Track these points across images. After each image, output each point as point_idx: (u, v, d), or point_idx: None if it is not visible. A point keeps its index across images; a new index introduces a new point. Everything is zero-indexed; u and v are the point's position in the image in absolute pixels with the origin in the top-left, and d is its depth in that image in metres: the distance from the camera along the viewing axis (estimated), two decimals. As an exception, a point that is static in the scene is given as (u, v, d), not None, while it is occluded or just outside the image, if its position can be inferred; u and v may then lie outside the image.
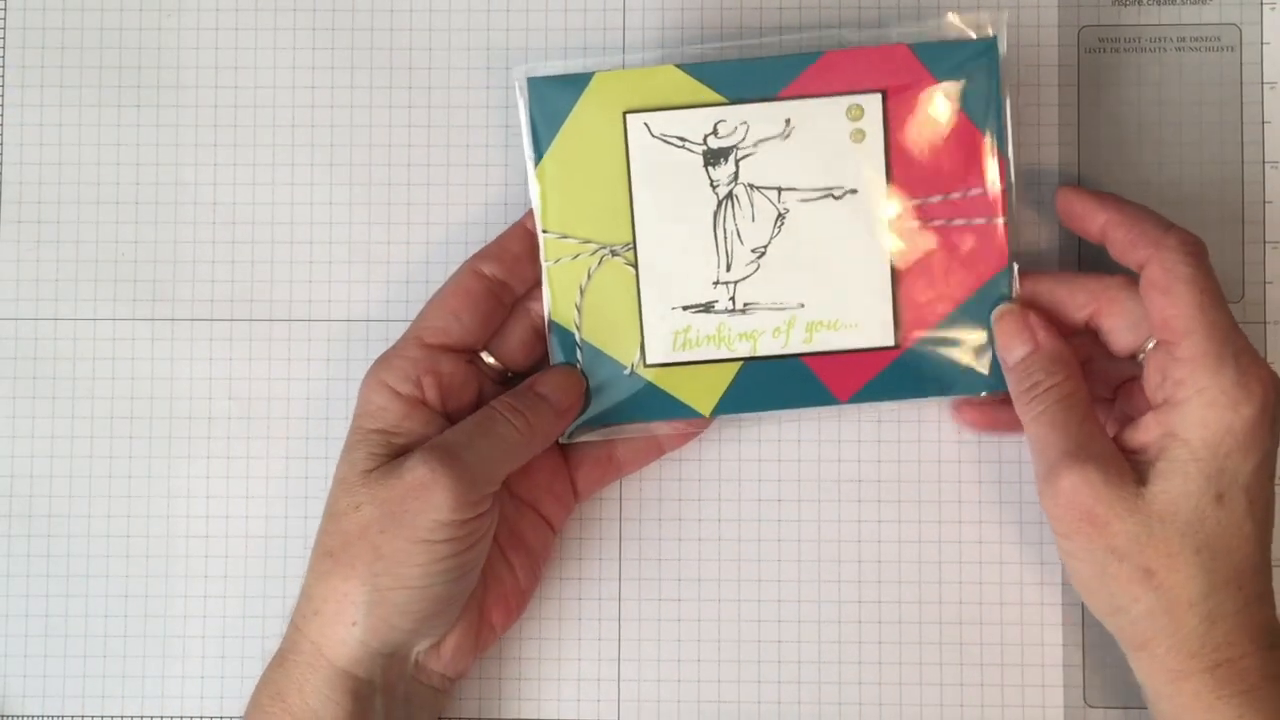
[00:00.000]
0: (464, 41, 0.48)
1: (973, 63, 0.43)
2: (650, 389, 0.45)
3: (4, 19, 0.49)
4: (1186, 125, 0.47)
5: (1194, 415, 0.39)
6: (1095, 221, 0.42)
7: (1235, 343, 0.39)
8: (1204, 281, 0.40)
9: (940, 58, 0.43)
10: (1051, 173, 0.47)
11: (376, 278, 0.48)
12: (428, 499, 0.40)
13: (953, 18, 0.44)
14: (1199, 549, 0.39)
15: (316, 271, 0.48)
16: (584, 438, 0.45)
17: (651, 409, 0.45)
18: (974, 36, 0.43)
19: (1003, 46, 0.43)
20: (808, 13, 0.48)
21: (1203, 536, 0.39)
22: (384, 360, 0.43)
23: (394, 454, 0.42)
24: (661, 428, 0.45)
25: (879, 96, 0.43)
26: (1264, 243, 0.47)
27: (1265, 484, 0.40)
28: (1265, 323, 0.47)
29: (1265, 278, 0.47)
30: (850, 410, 0.46)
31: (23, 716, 0.48)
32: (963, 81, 0.43)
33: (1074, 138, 0.47)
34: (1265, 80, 0.47)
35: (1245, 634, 0.39)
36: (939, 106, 0.43)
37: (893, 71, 0.43)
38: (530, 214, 0.44)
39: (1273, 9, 0.47)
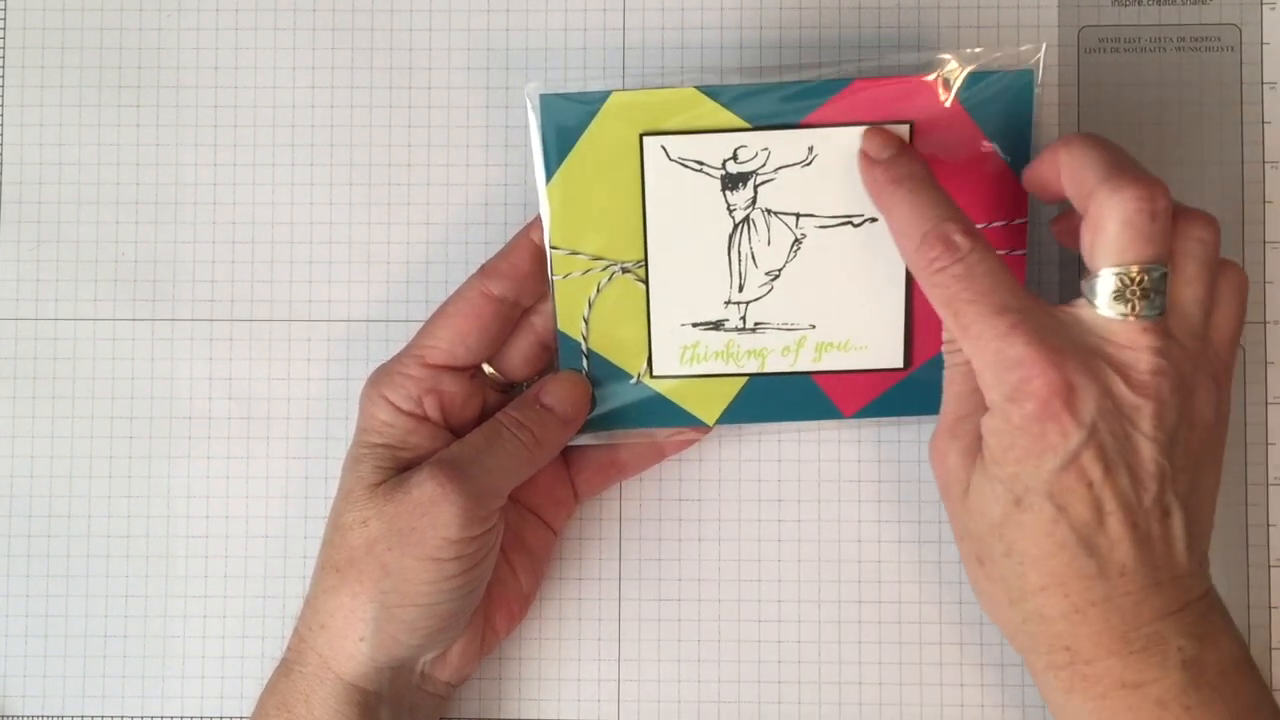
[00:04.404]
0: (464, 42, 0.48)
1: (1006, 95, 0.42)
2: (656, 398, 0.45)
3: (4, 19, 0.49)
4: (1186, 125, 0.47)
5: (988, 423, 0.38)
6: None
7: (1018, 341, 0.36)
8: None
9: (973, 89, 0.42)
10: (1051, 173, 0.47)
11: (376, 278, 0.48)
12: (436, 516, 0.39)
13: (989, 48, 0.42)
14: (1007, 551, 0.38)
15: (316, 271, 0.48)
16: (586, 442, 0.45)
17: (656, 417, 0.45)
18: (1009, 68, 0.42)
19: (1039, 79, 0.42)
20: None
21: (1008, 540, 0.37)
22: (386, 375, 0.42)
23: (400, 468, 0.41)
24: (665, 434, 0.45)
25: (906, 127, 0.42)
26: (1264, 243, 0.47)
27: (1074, 487, 0.36)
28: (1265, 322, 0.47)
29: (1265, 278, 0.47)
30: (852, 420, 0.46)
31: (23, 716, 0.48)
32: (994, 114, 0.42)
33: (1074, 138, 0.47)
34: (1265, 80, 0.47)
35: (1087, 639, 0.37)
36: (967, 138, 0.42)
37: (923, 102, 0.42)
38: (537, 224, 0.44)
39: (1273, 9, 0.47)
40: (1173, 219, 0.37)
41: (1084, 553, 0.36)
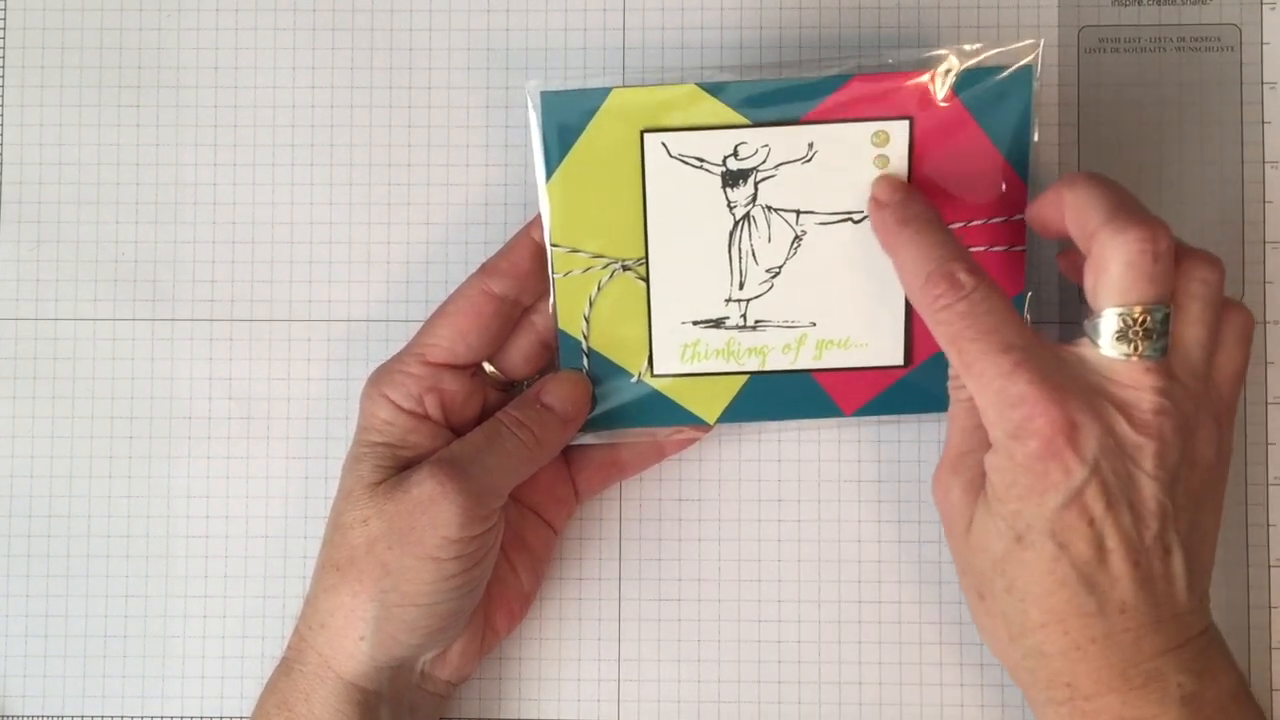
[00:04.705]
0: (464, 41, 0.48)
1: (1005, 92, 0.42)
2: (656, 396, 0.45)
3: (4, 19, 0.49)
4: (1186, 125, 0.47)
5: (991, 460, 0.38)
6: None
7: (1020, 379, 0.36)
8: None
9: (972, 85, 0.42)
10: (1051, 174, 0.47)
11: (376, 278, 0.48)
12: (436, 515, 0.39)
13: (987, 45, 0.42)
14: (1009, 588, 0.38)
15: (316, 271, 0.48)
16: (587, 441, 0.45)
17: (657, 416, 0.45)
18: (1008, 65, 0.42)
19: (1037, 75, 0.42)
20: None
21: (1010, 576, 0.38)
22: (386, 374, 0.42)
23: (400, 467, 0.41)
24: (665, 433, 0.45)
25: (906, 123, 0.42)
26: (1264, 243, 0.47)
27: (1076, 525, 0.36)
28: (1265, 323, 0.47)
29: (1265, 278, 0.47)
30: (853, 418, 0.46)
31: (23, 716, 0.48)
32: (993, 110, 0.42)
33: (1074, 138, 0.47)
34: (1265, 80, 0.47)
35: (1086, 676, 0.37)
36: (967, 135, 0.42)
37: (922, 98, 0.42)
38: (537, 223, 0.44)
39: (1273, 9, 0.47)
40: (1176, 259, 0.37)
41: (1084, 590, 0.37)
